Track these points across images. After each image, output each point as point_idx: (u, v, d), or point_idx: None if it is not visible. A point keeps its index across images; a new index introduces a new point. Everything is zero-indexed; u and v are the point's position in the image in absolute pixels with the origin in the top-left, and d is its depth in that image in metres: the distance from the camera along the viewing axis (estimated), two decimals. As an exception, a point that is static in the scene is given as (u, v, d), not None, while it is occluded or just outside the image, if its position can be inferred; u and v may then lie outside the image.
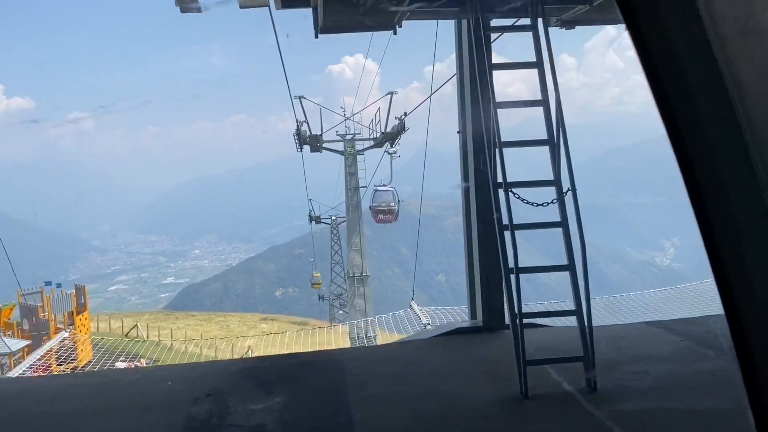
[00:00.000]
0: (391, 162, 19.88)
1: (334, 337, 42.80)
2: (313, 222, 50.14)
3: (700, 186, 1.10)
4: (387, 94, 21.38)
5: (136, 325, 39.19)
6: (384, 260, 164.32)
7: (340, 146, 24.61)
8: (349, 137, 24.95)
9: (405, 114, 19.21)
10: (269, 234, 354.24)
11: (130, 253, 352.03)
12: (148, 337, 37.29)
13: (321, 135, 24.05)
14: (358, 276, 23.60)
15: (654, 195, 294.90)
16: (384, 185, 21.73)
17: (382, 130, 22.11)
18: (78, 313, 31.29)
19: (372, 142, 24.41)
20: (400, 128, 19.51)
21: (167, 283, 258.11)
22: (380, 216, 23.12)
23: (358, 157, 24.43)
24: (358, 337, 22.04)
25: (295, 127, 23.44)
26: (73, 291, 32.81)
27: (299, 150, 24.84)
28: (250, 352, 31.00)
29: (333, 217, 51.05)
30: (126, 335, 38.48)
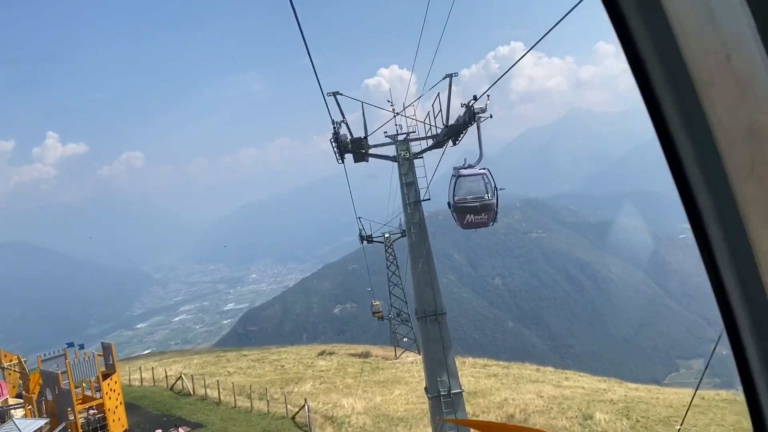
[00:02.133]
0: (479, 134, 15.19)
1: (406, 381, 38.56)
2: (365, 242, 46.11)
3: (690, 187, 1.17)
4: (445, 77, 17.83)
5: (181, 376, 35.66)
6: (438, 267, 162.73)
7: (390, 151, 20.93)
8: (401, 137, 20.88)
9: (475, 98, 15.50)
10: (321, 252, 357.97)
11: (191, 283, 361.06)
12: (194, 390, 34.35)
13: (366, 138, 19.81)
14: (430, 315, 19.18)
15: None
16: (470, 166, 15.82)
17: (444, 122, 18.15)
18: (106, 377, 26.66)
19: (431, 141, 20.42)
20: (469, 117, 16.06)
21: (228, 309, 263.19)
22: (469, 218, 15.91)
23: (415, 161, 20.47)
24: (441, 395, 18.41)
25: (332, 131, 19.30)
26: (96, 353, 28.01)
27: (340, 161, 21.04)
28: (306, 407, 27.61)
29: (386, 235, 47.27)
30: (171, 388, 35.55)
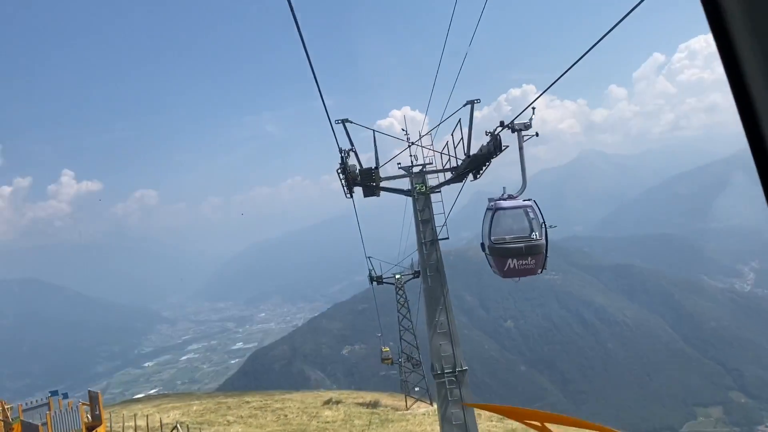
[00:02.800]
0: (521, 156, 12.51)
1: None
2: (374, 283, 43.85)
3: None
4: (466, 104, 16.00)
5: (176, 426, 32.68)
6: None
7: (404, 184, 18.86)
8: (416, 169, 18.55)
9: (502, 125, 13.56)
10: (331, 292, 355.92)
11: (199, 322, 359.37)
12: None
13: (377, 168, 17.51)
14: (449, 372, 16.77)
15: (724, 219, 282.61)
16: (511, 197, 12.77)
17: (465, 152, 16.11)
18: (91, 429, 23.70)
19: (450, 174, 18.33)
20: (494, 147, 14.25)
21: (236, 349, 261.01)
22: (511, 263, 12.55)
23: (432, 196, 18.17)
24: None
25: (339, 162, 17.05)
26: (81, 402, 25.38)
27: (348, 195, 18.71)
28: None
29: (398, 276, 44.85)
30: None
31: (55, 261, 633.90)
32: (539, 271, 13.07)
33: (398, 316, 48.75)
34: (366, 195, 19.27)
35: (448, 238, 18.37)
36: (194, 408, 46.64)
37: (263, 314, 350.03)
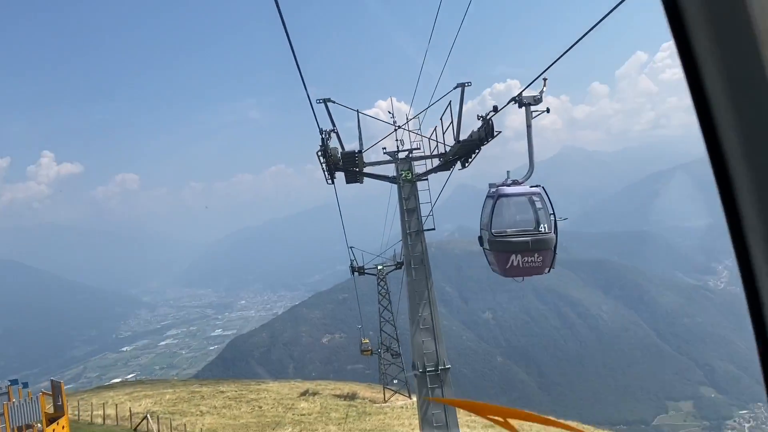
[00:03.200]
0: (529, 135, 10.86)
1: (398, 430, 34.83)
2: (356, 273, 42.70)
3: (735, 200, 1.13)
4: (456, 87, 14.48)
5: (146, 417, 31.33)
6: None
7: (389, 170, 17.41)
8: (402, 154, 17.26)
9: (495, 110, 12.64)
10: (312, 281, 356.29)
11: (179, 308, 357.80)
12: None
13: (360, 152, 16.44)
14: (431, 370, 16.01)
15: (700, 217, 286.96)
16: (516, 182, 11.14)
17: (455, 137, 15.19)
18: (51, 421, 21.58)
19: (438, 161, 17.26)
20: (486, 133, 13.17)
21: (216, 335, 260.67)
22: (515, 260, 10.84)
23: (418, 184, 17.00)
24: None
25: (320, 144, 15.77)
26: (43, 392, 23.45)
27: (329, 180, 17.32)
28: None
29: (379, 267, 44.21)
30: (135, 429, 31.56)
31: (33, 243, 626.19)
32: (546, 270, 11.02)
33: (379, 308, 47.97)
34: (348, 181, 17.97)
35: (434, 229, 17.35)
36: (167, 397, 45.28)
37: (243, 302, 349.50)
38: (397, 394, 46.49)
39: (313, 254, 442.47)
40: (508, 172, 11.68)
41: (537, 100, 10.75)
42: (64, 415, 22.22)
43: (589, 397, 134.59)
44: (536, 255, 10.80)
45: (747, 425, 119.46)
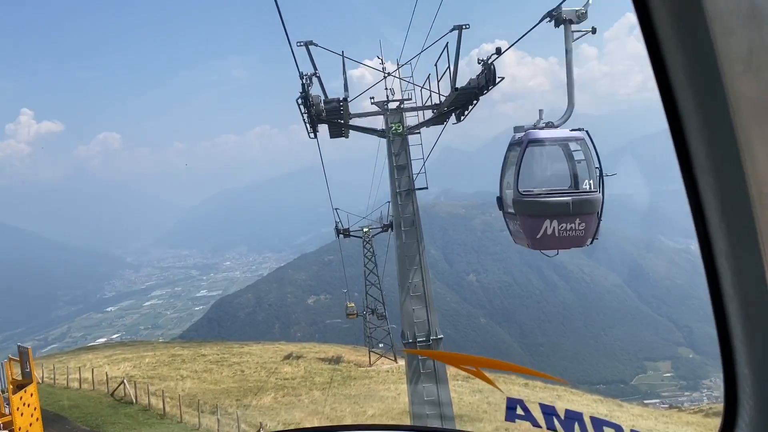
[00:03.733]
0: (568, 65, 8.50)
1: (381, 397, 33.81)
2: (341, 236, 41.27)
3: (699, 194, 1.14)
4: (453, 29, 13.48)
5: (123, 382, 29.99)
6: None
7: (377, 123, 15.61)
8: (393, 105, 15.57)
9: (498, 52, 11.57)
10: (298, 243, 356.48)
11: (163, 268, 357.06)
12: (137, 399, 28.78)
13: (345, 101, 14.69)
14: (422, 341, 14.96)
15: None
16: (551, 125, 8.71)
17: (452, 84, 13.65)
18: (19, 388, 20.32)
19: (432, 112, 15.69)
20: (486, 80, 12.28)
21: (200, 296, 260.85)
22: (548, 226, 7.92)
23: (410, 138, 15.53)
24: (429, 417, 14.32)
25: (300, 91, 14.24)
26: (10, 357, 21.70)
27: (311, 134, 15.86)
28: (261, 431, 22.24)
29: (365, 229, 43.32)
30: (112, 394, 30.01)
31: (13, 202, 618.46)
32: (589, 241, 8.53)
33: (365, 271, 46.94)
34: (333, 135, 16.78)
35: (426, 188, 16.03)
36: (147, 360, 44.04)
37: (228, 263, 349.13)
38: (383, 358, 45.83)
39: (299, 216, 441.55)
40: (540, 111, 9.16)
41: (581, 17, 8.38)
42: (32, 382, 20.97)
43: (570, 357, 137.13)
44: (577, 221, 8.18)
45: (723, 384, 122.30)
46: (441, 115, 15.71)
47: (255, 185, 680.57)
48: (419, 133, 15.96)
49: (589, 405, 33.73)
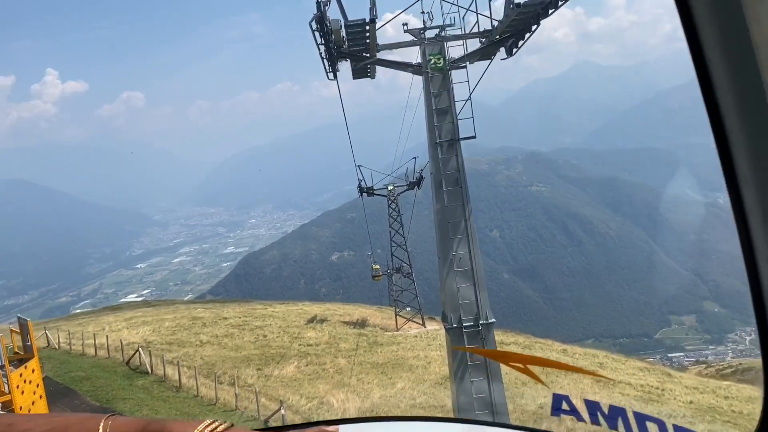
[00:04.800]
0: None
1: (410, 366, 31.47)
2: (364, 194, 38.24)
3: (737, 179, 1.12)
4: None
5: (138, 350, 28.26)
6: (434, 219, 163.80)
7: (411, 55, 13.63)
8: (431, 33, 13.05)
9: None
10: (321, 200, 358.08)
11: (191, 226, 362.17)
12: (152, 368, 26.94)
13: (373, 22, 11.80)
14: (468, 326, 12.74)
15: (712, 134, 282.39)
16: None
17: (512, 2, 11.30)
18: (20, 363, 17.81)
19: (480, 42, 13.06)
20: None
21: (228, 253, 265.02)
22: None
23: (453, 75, 12.97)
24: (477, 407, 12.13)
25: (315, 13, 11.69)
26: (11, 328, 19.87)
27: (330, 72, 13.40)
28: (282, 410, 19.95)
29: (390, 187, 40.44)
30: (127, 363, 28.36)
31: (41, 162, 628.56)
32: None
33: (390, 231, 44.12)
34: (356, 74, 13.99)
35: (474, 137, 13.21)
36: (166, 324, 41.92)
37: (254, 220, 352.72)
38: (410, 322, 43.11)
39: (321, 173, 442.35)
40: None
41: None
42: (33, 357, 18.72)
43: (595, 311, 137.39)
44: None
45: (748, 338, 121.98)
46: (491, 45, 13.06)
47: (277, 142, 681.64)
48: (465, 67, 13.15)
49: (635, 374, 31.34)
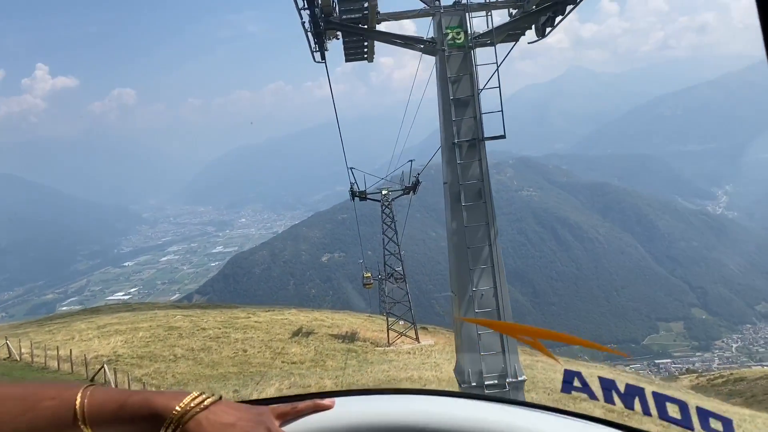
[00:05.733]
0: None
1: (406, 386, 26.68)
2: (356, 198, 35.54)
3: None
4: None
5: (103, 366, 25.54)
6: (427, 221, 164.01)
7: (422, 27, 12.19)
8: (448, 2, 10.40)
9: None
10: (312, 201, 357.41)
11: (179, 224, 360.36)
12: (117, 385, 24.02)
13: None
14: (491, 384, 9.91)
15: (703, 142, 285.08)
16: None
17: None
18: None
19: (509, 14, 11.05)
20: None
21: (216, 252, 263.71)
22: None
23: (478, 54, 10.16)
24: None
25: None
26: None
27: (317, 53, 11.15)
28: None
29: (384, 192, 38.03)
30: (91, 380, 23.00)
31: (31, 157, 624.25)
32: None
33: (383, 239, 41.06)
34: (349, 56, 11.84)
35: (504, 137, 10.16)
36: (140, 335, 38.85)
37: (243, 219, 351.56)
38: (403, 336, 40.52)
39: (313, 174, 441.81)
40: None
41: None
42: None
43: (582, 316, 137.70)
44: None
45: (734, 345, 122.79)
46: (523, 18, 10.63)
47: (269, 142, 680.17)
48: (492, 44, 10.25)
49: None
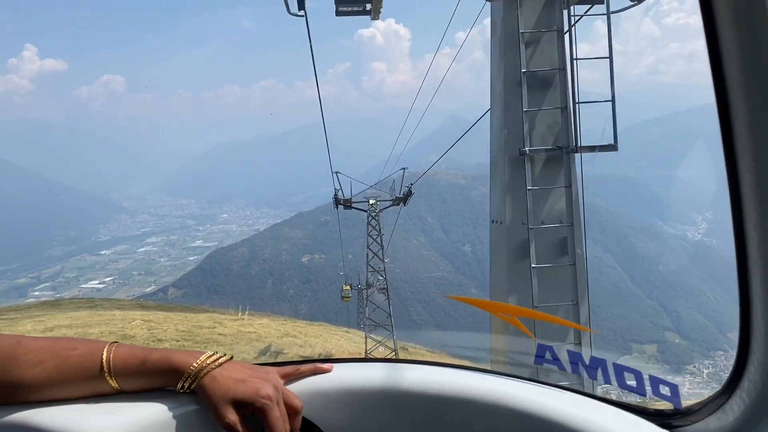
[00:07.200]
0: None
1: None
2: (340, 206, 32.69)
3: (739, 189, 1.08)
4: None
5: None
6: (410, 229, 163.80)
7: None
8: None
9: None
10: (296, 200, 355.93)
11: (160, 216, 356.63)
12: None
13: None
14: None
15: (687, 167, 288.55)
16: None
17: None
18: None
19: None
20: None
21: (196, 246, 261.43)
22: None
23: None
24: None
25: None
26: None
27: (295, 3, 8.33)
28: None
29: (372, 201, 35.00)
30: None
31: (12, 138, 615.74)
32: None
33: (367, 253, 37.12)
34: (341, 10, 8.86)
35: (615, 147, 8.14)
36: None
37: (225, 215, 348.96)
38: (380, 345, 36.18)
39: (299, 174, 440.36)
40: None
41: None
42: None
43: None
44: None
45: (706, 371, 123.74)
46: None
47: (257, 139, 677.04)
48: None
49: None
